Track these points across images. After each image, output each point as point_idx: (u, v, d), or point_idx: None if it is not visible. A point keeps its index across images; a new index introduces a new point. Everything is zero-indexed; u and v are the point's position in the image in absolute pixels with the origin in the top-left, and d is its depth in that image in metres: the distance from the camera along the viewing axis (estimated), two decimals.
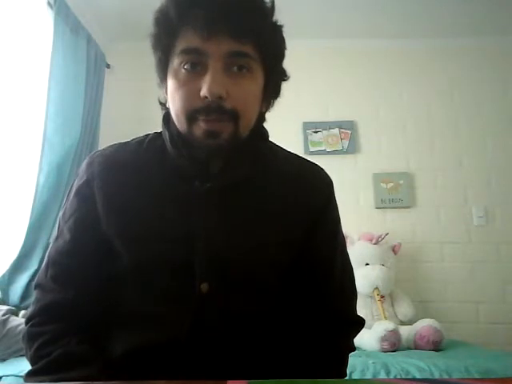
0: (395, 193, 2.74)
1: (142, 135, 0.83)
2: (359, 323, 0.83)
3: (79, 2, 2.41)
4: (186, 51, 0.68)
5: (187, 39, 0.68)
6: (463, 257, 2.64)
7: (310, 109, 2.87)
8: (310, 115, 2.86)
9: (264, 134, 0.82)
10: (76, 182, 0.79)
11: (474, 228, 2.69)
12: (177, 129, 0.73)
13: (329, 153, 2.81)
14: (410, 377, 1.45)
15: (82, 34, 2.42)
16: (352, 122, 2.86)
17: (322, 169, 0.85)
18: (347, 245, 2.82)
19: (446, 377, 1.43)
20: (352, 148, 2.82)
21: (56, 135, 2.15)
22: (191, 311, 0.70)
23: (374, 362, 1.54)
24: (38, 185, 2.03)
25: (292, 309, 0.79)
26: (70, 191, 0.80)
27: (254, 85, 0.72)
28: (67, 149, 2.22)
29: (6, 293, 1.88)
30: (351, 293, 0.84)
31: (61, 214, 0.79)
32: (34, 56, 2.11)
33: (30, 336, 0.71)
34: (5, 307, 1.76)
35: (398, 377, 1.44)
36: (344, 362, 0.79)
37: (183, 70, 0.69)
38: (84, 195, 0.76)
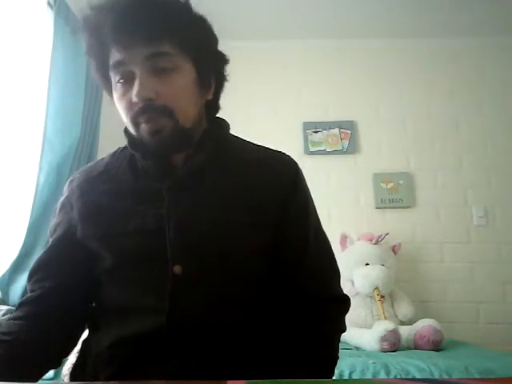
0: (395, 193, 2.74)
1: (114, 146, 0.90)
2: (341, 300, 0.83)
3: (79, 2, 2.40)
4: (113, 66, 0.75)
5: (113, 55, 0.75)
6: (463, 257, 2.64)
7: (310, 109, 2.88)
8: (310, 115, 2.86)
9: (223, 124, 0.87)
10: (61, 199, 0.86)
11: (474, 228, 2.69)
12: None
13: (329, 153, 2.81)
14: (410, 377, 1.45)
15: (82, 34, 2.42)
16: (352, 122, 2.86)
17: (286, 155, 0.88)
18: (347, 245, 2.81)
19: (445, 377, 1.43)
20: (352, 148, 2.82)
21: (56, 135, 2.14)
22: (167, 295, 0.72)
23: (374, 362, 1.54)
24: (38, 185, 2.02)
25: (272, 291, 0.81)
26: (56, 208, 0.86)
27: (182, 79, 0.76)
28: (67, 149, 2.21)
29: (5, 293, 1.88)
30: (331, 271, 0.85)
31: (49, 229, 0.86)
32: (34, 56, 2.10)
33: None
34: (5, 307, 1.75)
35: (398, 377, 1.44)
36: (330, 343, 0.80)
37: (119, 84, 0.76)
38: (66, 210, 0.83)
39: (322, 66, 2.94)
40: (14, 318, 0.77)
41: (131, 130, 0.78)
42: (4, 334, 0.73)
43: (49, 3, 2.19)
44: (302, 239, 0.82)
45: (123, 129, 0.82)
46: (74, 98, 2.29)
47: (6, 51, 1.90)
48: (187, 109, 0.77)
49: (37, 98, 2.10)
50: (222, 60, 0.83)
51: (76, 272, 0.80)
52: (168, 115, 0.74)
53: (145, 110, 0.73)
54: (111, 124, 2.58)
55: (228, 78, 0.85)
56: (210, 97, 0.82)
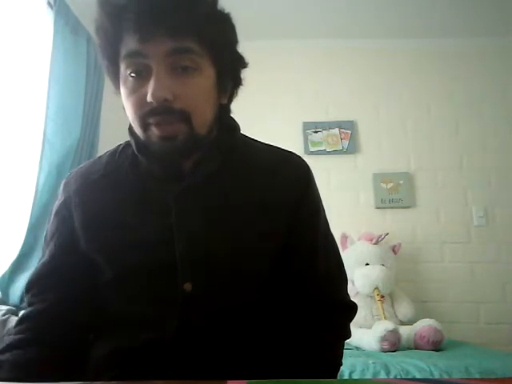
0: (395, 193, 2.74)
1: (114, 146, 0.83)
2: (349, 307, 0.82)
3: (79, 2, 2.41)
4: (128, 56, 0.68)
5: (127, 44, 0.67)
6: (463, 257, 2.64)
7: (310, 109, 2.87)
8: (310, 115, 2.86)
9: (234, 126, 0.81)
10: (56, 203, 0.80)
11: (474, 228, 2.68)
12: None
13: (329, 153, 2.81)
14: (410, 377, 1.44)
15: (81, 34, 2.42)
16: (352, 122, 2.86)
17: (297, 156, 0.84)
18: (347, 245, 2.80)
19: (445, 377, 1.43)
20: (352, 148, 2.82)
21: (56, 135, 2.14)
22: (176, 312, 0.70)
23: (374, 362, 1.54)
24: (38, 185, 2.02)
25: (279, 300, 0.78)
26: (51, 214, 0.81)
27: (203, 81, 0.70)
28: (67, 149, 2.21)
29: (5, 293, 1.88)
30: (339, 277, 0.83)
31: (44, 234, 0.81)
32: (34, 56, 2.10)
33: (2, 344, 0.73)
34: (5, 307, 1.75)
35: (398, 377, 1.44)
36: (333, 349, 0.78)
37: (130, 78, 0.69)
38: (63, 216, 0.78)
39: (322, 65, 2.94)
40: (23, 341, 0.71)
41: (137, 131, 0.71)
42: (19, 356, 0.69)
43: (49, 3, 2.19)
44: (312, 244, 0.80)
45: (127, 127, 0.76)
46: (73, 98, 2.29)
47: (6, 51, 1.90)
48: (204, 114, 0.71)
49: (37, 97, 2.10)
50: (241, 63, 0.77)
51: (79, 283, 0.76)
52: (185, 120, 0.68)
53: (159, 112, 0.66)
54: (111, 124, 2.59)
55: (243, 82, 0.78)
56: (225, 101, 0.77)
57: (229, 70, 0.75)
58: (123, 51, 0.68)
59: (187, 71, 0.68)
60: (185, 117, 0.68)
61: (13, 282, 1.90)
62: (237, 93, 0.79)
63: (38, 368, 0.69)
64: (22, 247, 1.93)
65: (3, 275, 1.87)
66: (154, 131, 0.68)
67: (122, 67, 0.70)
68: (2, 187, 1.89)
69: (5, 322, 1.66)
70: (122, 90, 0.71)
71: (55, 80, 2.15)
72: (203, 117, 0.71)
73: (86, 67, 2.41)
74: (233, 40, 0.75)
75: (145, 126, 0.69)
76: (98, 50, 0.73)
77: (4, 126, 1.90)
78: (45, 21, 2.18)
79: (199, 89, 0.69)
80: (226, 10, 0.72)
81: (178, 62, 0.67)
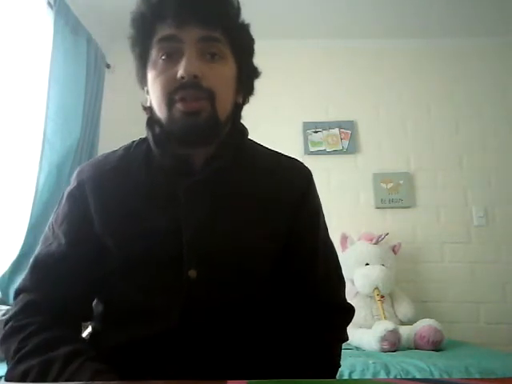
0: (395, 193, 2.74)
1: (129, 142, 0.86)
2: (347, 309, 0.84)
3: (79, 2, 2.41)
4: (162, 40, 0.74)
5: (162, 31, 0.74)
6: (463, 257, 2.64)
7: (310, 109, 2.88)
8: (310, 115, 2.86)
9: (243, 131, 0.85)
10: (68, 188, 0.82)
11: (474, 228, 2.69)
12: (160, 128, 0.77)
13: (329, 153, 2.81)
14: (410, 377, 1.45)
15: (81, 34, 2.42)
16: (352, 122, 2.86)
17: (300, 162, 0.87)
18: (347, 245, 2.80)
19: (446, 377, 1.43)
20: (352, 148, 2.82)
21: (56, 135, 2.14)
22: (181, 298, 0.72)
23: (374, 362, 1.54)
24: (38, 185, 2.02)
25: (279, 298, 0.81)
26: (61, 198, 0.82)
27: (227, 70, 0.76)
28: (67, 149, 2.22)
29: (5, 293, 1.88)
30: (337, 280, 0.86)
31: (53, 219, 0.81)
32: (34, 56, 2.11)
33: (14, 330, 0.71)
34: (5, 307, 1.75)
35: (398, 377, 1.44)
36: (331, 352, 0.80)
37: (161, 61, 0.74)
38: (76, 199, 0.79)
39: (322, 65, 2.94)
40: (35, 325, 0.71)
41: (161, 110, 0.74)
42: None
43: (49, 3, 2.19)
44: (312, 248, 0.82)
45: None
46: (73, 97, 2.29)
47: (6, 51, 1.91)
48: (226, 101, 0.76)
49: (37, 97, 2.10)
50: (255, 72, 0.84)
51: (88, 272, 0.77)
52: (210, 98, 0.72)
53: (187, 86, 0.70)
54: (111, 124, 2.60)
55: (254, 92, 0.85)
56: (240, 100, 0.82)
57: (246, 72, 0.81)
58: (156, 37, 0.74)
59: (214, 58, 0.74)
60: (211, 95, 0.72)
61: (13, 282, 1.90)
62: (248, 100, 0.85)
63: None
64: (22, 247, 1.93)
65: (3, 275, 1.87)
66: (179, 107, 0.72)
67: (154, 52, 0.75)
68: (2, 187, 1.89)
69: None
70: (151, 73, 0.75)
71: (55, 80, 2.15)
72: (225, 103, 0.76)
73: (85, 67, 2.41)
74: (252, 48, 0.83)
75: (170, 103, 0.72)
76: (131, 39, 0.78)
77: (4, 125, 1.90)
78: (45, 21, 2.18)
79: (223, 75, 0.75)
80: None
81: (208, 49, 0.73)
